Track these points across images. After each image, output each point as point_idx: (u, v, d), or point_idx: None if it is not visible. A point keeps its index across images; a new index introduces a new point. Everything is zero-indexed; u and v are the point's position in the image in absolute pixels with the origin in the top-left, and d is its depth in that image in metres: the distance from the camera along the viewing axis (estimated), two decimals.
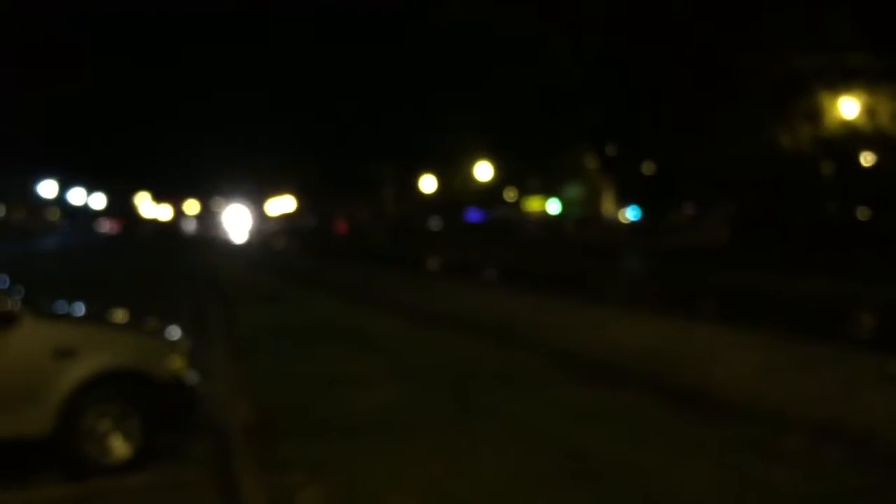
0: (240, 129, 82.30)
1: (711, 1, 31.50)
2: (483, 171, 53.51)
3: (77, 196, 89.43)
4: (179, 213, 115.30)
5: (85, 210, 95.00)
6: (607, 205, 50.48)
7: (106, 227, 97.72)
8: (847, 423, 7.91)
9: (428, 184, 61.58)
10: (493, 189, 57.43)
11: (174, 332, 7.50)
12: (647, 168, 44.39)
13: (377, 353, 12.01)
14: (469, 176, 54.67)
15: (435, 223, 67.60)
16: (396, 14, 52.34)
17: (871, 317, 16.73)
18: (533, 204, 59.19)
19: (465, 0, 41.17)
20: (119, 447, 6.73)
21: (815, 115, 31.41)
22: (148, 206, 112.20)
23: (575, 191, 54.99)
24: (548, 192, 57.10)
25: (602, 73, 39.09)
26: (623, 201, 49.23)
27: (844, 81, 30.06)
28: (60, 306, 7.68)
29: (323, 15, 62.28)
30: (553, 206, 57.77)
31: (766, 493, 6.21)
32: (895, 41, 27.00)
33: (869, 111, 30.42)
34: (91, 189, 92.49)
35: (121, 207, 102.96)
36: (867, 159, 33.69)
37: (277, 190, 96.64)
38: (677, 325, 14.62)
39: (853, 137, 31.45)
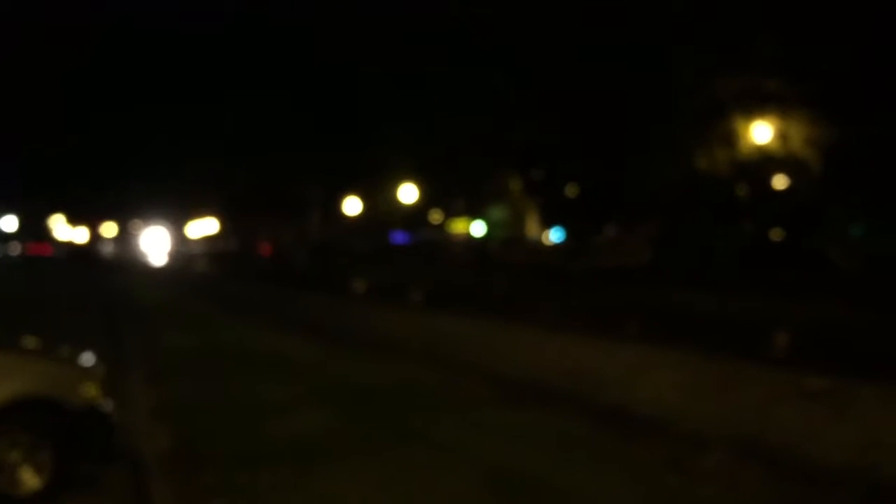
0: (160, 149, 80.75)
1: (635, 26, 32.21)
2: (408, 192, 53.55)
3: None
4: (96, 236, 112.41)
5: None
6: (531, 227, 51.00)
7: (24, 250, 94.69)
8: (767, 440, 8.07)
9: (353, 206, 61.32)
10: (419, 211, 57.52)
11: (88, 359, 7.23)
12: (571, 190, 45.05)
13: (300, 378, 11.82)
14: (394, 198, 54.66)
15: (360, 245, 67.30)
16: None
17: (788, 334, 17.15)
18: (458, 226, 59.44)
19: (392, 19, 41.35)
20: (30, 479, 6.44)
21: (731, 138, 32.29)
22: (63, 229, 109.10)
23: (499, 213, 55.42)
24: (473, 215, 57.43)
25: (527, 94, 39.58)
26: (547, 223, 49.80)
27: (759, 106, 30.99)
28: None
29: (245, 30, 61.49)
30: (478, 228, 58.11)
31: None
32: (808, 66, 27.94)
33: (782, 136, 31.40)
34: (1, 212, 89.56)
35: (34, 230, 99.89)
36: (780, 182, 34.79)
37: (199, 212, 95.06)
38: (601, 344, 14.75)
39: (766, 161, 32.43)
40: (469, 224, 58.50)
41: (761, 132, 31.80)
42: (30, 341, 7.54)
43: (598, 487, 6.73)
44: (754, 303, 21.56)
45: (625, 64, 32.37)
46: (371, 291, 33.91)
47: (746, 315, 19.51)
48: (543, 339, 15.86)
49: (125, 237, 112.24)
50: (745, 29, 29.14)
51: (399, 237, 64.67)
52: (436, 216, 60.63)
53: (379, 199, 57.09)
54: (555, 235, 50.01)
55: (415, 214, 58.04)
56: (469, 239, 58.56)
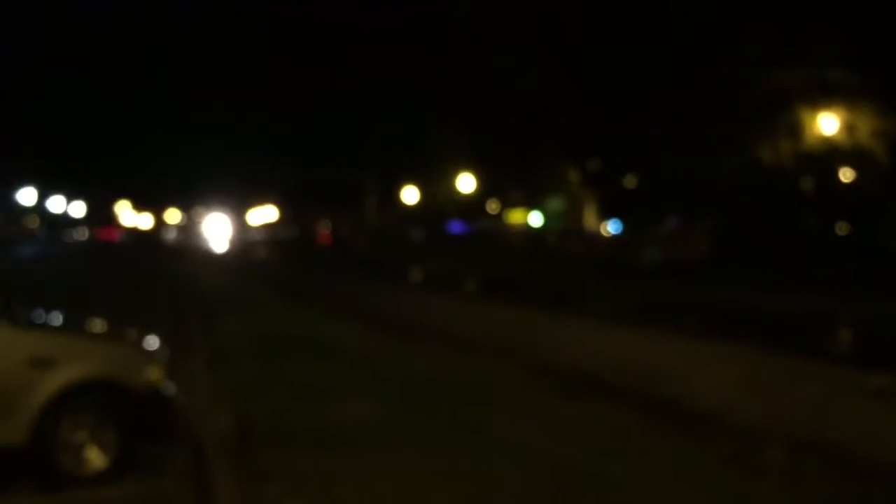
0: (222, 138, 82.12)
1: (694, 14, 31.75)
2: (465, 182, 53.60)
3: (57, 204, 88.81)
4: (160, 222, 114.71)
5: (65, 218, 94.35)
6: (589, 218, 50.66)
7: (92, 235, 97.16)
8: (826, 437, 7.95)
9: (410, 195, 61.60)
10: (476, 201, 57.52)
11: (152, 343, 7.43)
12: (629, 182, 44.61)
13: (357, 366, 11.95)
14: (452, 188, 54.76)
15: (417, 234, 67.59)
16: (376, 26, 52.34)
17: (849, 331, 16.83)
18: (515, 216, 59.32)
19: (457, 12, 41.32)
20: (95, 458, 6.65)
21: (795, 130, 31.68)
22: (128, 215, 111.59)
23: (557, 204, 55.17)
24: (530, 205, 57.25)
25: (583, 86, 39.28)
26: (605, 215, 49.40)
27: (825, 97, 30.35)
28: (38, 315, 7.60)
29: (307, 21, 62.24)
30: (535, 219, 57.91)
31: None
32: (874, 57, 27.28)
33: (848, 127, 30.71)
34: (71, 197, 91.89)
35: (101, 215, 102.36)
36: (846, 175, 34.00)
37: (260, 199, 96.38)
38: (659, 338, 14.66)
39: (833, 153, 31.74)
40: (526, 215, 58.33)
41: (828, 123, 31.14)
42: (96, 324, 7.77)
43: (653, 481, 6.70)
44: (816, 298, 21.18)
45: (685, 54, 31.92)
46: (427, 281, 34.06)
47: (808, 311, 19.18)
48: (599, 330, 15.83)
49: (188, 224, 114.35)
50: (809, 19, 28.54)
51: (456, 227, 64.75)
52: (493, 206, 60.57)
53: (437, 188, 57.23)
54: (613, 227, 49.59)
55: (472, 204, 58.04)
56: (526, 229, 58.40)
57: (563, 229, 53.46)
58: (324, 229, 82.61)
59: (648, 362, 11.98)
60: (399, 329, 16.21)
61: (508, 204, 58.73)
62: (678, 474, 6.90)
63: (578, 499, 6.33)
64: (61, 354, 6.67)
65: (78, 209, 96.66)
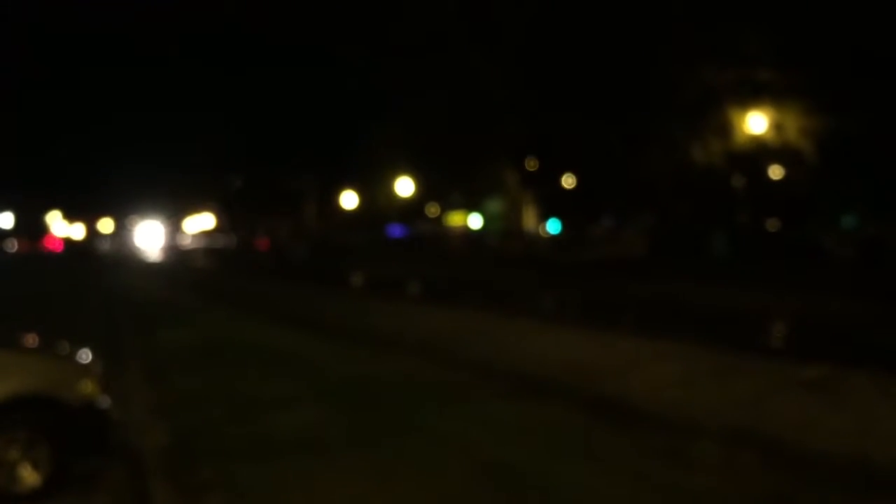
0: (155, 146, 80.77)
1: (627, 16, 32.20)
2: (404, 186, 53.56)
3: None
4: (93, 232, 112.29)
5: None
6: (528, 219, 51.02)
7: (21, 246, 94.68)
8: (762, 430, 8.12)
9: (349, 199, 61.32)
10: (416, 204, 57.52)
11: (85, 355, 7.26)
12: (567, 182, 45.08)
13: (297, 372, 11.85)
14: (391, 191, 54.66)
15: (357, 239, 67.36)
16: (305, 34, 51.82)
17: (784, 325, 17.22)
18: (455, 219, 59.48)
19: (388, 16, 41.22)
20: (28, 476, 6.47)
21: (725, 129, 32.34)
22: (60, 225, 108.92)
23: (496, 205, 55.44)
24: (469, 207, 57.48)
25: (522, 86, 39.56)
26: (543, 215, 49.85)
27: (753, 96, 31.02)
28: None
29: (240, 25, 61.44)
30: (475, 221, 58.16)
31: (683, 500, 6.32)
32: (801, 56, 27.97)
33: (776, 126, 31.44)
34: None
35: (31, 226, 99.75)
36: (775, 173, 34.85)
37: (196, 207, 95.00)
38: (597, 336, 14.81)
39: (762, 151, 32.48)
40: (466, 217, 58.55)
41: (756, 122, 31.85)
42: (28, 338, 7.56)
43: (592, 478, 6.78)
44: (749, 293, 21.63)
45: (618, 55, 32.36)
46: (368, 285, 33.94)
47: (742, 306, 19.58)
48: (538, 330, 15.93)
49: (122, 232, 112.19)
50: (738, 19, 29.15)
51: (396, 230, 64.70)
52: (433, 209, 60.64)
53: (376, 192, 57.09)
54: (552, 227, 50.07)
55: (412, 208, 58.04)
56: (466, 232, 58.62)
57: (503, 230, 53.78)
58: (262, 236, 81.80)
59: (589, 361, 12.10)
60: (342, 334, 16.13)
61: (448, 207, 58.86)
62: (615, 470, 6.99)
63: (521, 497, 6.37)
64: None
65: (6, 220, 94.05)
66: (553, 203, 47.22)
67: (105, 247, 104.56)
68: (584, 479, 6.80)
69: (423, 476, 6.87)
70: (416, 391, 10.35)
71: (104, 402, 7.00)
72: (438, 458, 7.35)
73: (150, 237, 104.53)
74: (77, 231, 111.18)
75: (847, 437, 7.81)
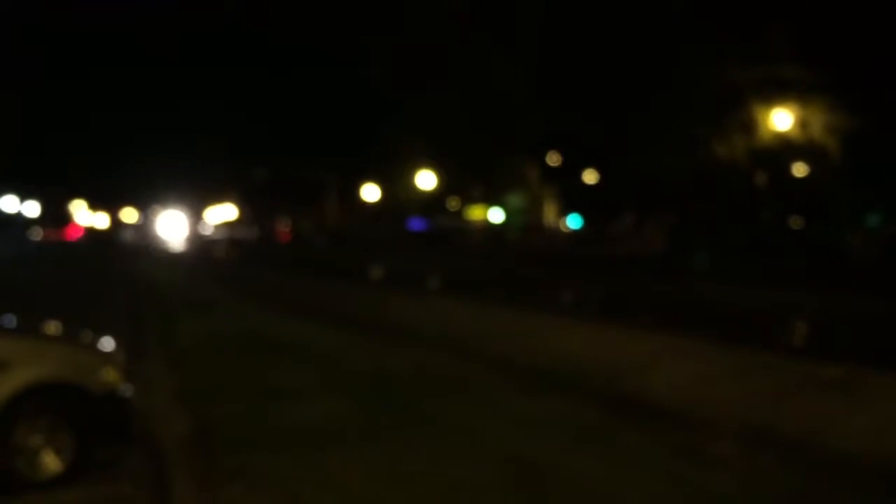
0: (179, 137, 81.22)
1: (650, 13, 32.04)
2: (425, 180, 53.57)
3: (9, 204, 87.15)
4: (117, 222, 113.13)
5: (18, 218, 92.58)
6: (549, 214, 50.95)
7: (46, 235, 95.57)
8: (781, 429, 8.08)
9: (370, 192, 61.43)
10: (436, 198, 57.54)
11: (108, 344, 7.34)
12: (588, 177, 44.94)
13: (317, 364, 11.90)
14: (412, 185, 54.70)
15: (377, 232, 67.47)
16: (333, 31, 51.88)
17: (805, 324, 17.10)
18: (476, 213, 59.43)
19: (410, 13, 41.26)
20: (51, 462, 6.54)
21: (750, 126, 32.12)
22: (84, 214, 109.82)
23: (517, 200, 55.36)
24: (490, 201, 57.42)
25: (543, 83, 39.48)
26: (564, 210, 49.74)
27: (778, 94, 30.79)
28: None
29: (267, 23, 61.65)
30: (496, 215, 58.09)
31: (702, 498, 6.31)
32: (826, 53, 27.73)
33: (801, 123, 31.19)
34: (24, 197, 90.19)
35: (56, 215, 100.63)
36: (799, 170, 34.56)
37: (219, 198, 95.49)
38: (617, 333, 14.76)
39: (786, 149, 32.24)
40: (487, 211, 58.49)
41: (781, 119, 31.61)
42: (51, 327, 7.65)
43: (616, 475, 6.77)
44: (771, 292, 21.48)
45: (641, 53, 32.21)
46: (387, 278, 33.98)
47: (762, 304, 19.45)
48: (558, 326, 15.90)
49: (145, 223, 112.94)
50: (764, 16, 28.93)
51: (416, 224, 64.74)
52: (453, 203, 60.61)
53: (397, 186, 57.15)
54: (572, 223, 49.94)
55: (433, 201, 58.05)
56: (487, 226, 58.57)
57: (524, 225, 53.71)
58: (283, 228, 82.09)
59: (609, 357, 12.07)
60: (362, 327, 16.17)
61: (469, 201, 58.83)
62: (634, 466, 6.98)
63: (538, 493, 6.38)
64: (15, 357, 6.55)
65: (32, 209, 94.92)
66: (574, 198, 47.10)
67: (128, 236, 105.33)
68: (603, 473, 6.79)
69: (436, 467, 6.89)
70: (433, 383, 10.36)
71: (126, 390, 7.07)
72: (452, 450, 7.37)
73: (173, 228, 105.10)
74: (101, 220, 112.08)
75: (867, 436, 7.75)
